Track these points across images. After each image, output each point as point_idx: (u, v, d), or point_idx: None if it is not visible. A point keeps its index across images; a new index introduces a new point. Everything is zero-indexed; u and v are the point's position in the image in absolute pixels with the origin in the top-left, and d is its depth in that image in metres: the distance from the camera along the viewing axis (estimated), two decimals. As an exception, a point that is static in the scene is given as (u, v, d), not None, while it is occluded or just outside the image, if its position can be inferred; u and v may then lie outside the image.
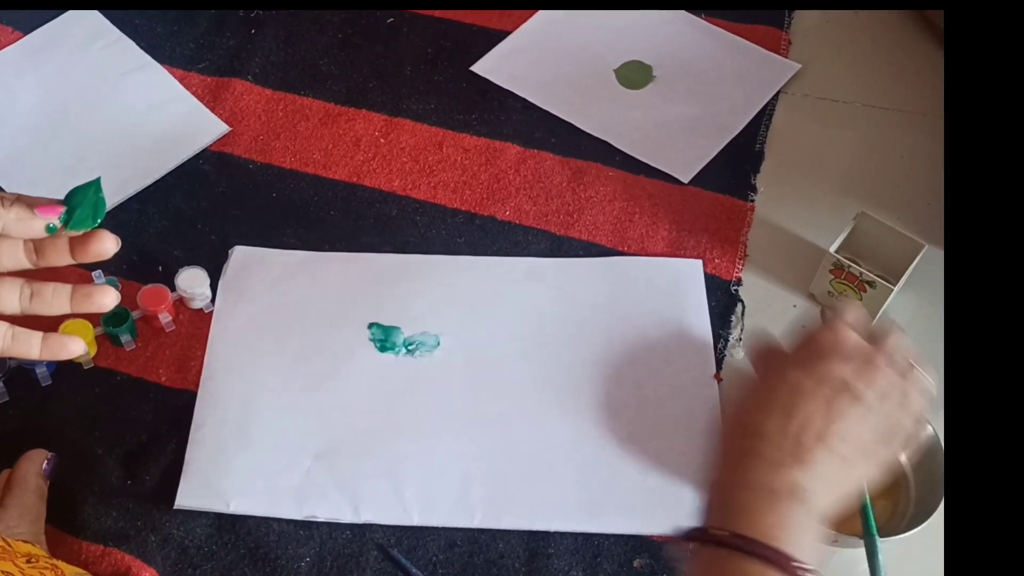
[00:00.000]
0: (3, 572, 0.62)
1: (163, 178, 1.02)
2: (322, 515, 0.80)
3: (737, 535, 0.54)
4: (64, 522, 0.79)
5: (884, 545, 0.75)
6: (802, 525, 0.55)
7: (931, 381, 0.63)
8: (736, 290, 0.95)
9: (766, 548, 0.53)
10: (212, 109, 1.07)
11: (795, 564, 0.52)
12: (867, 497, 0.77)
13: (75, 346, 0.61)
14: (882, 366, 0.61)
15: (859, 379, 0.59)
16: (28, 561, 0.64)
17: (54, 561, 0.67)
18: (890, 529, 0.78)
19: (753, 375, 0.64)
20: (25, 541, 0.70)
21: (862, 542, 0.75)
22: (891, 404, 0.60)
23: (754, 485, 0.56)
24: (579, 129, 1.07)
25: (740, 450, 0.58)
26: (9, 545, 0.66)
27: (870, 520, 0.75)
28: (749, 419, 0.59)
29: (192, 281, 0.92)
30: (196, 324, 0.91)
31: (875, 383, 0.60)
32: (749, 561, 0.53)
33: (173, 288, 0.91)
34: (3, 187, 1.00)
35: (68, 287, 0.58)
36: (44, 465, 0.79)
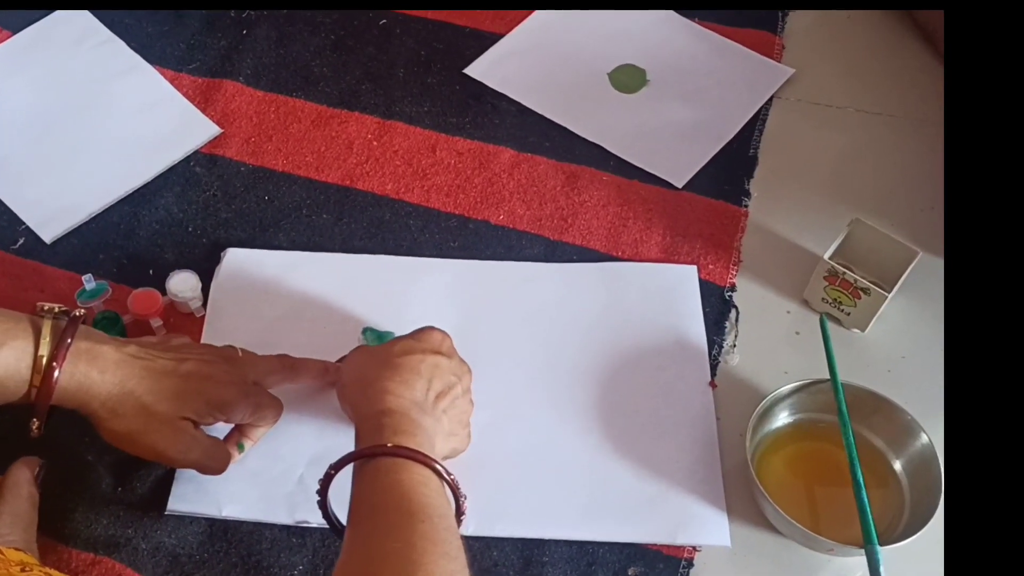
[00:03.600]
0: None
1: (153, 180, 1.01)
2: (315, 521, 0.80)
3: (398, 446, 0.69)
4: (54, 530, 0.78)
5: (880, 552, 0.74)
6: (433, 449, 0.72)
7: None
8: (730, 296, 0.95)
9: (421, 454, 0.69)
10: (203, 110, 1.06)
11: (436, 463, 0.70)
12: (867, 504, 0.77)
13: None
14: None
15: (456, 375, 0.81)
16: (23, 569, 0.64)
17: (47, 570, 0.67)
18: (885, 537, 0.78)
19: None
20: (18, 549, 0.69)
21: (856, 550, 0.75)
22: (466, 403, 0.83)
23: (400, 419, 0.73)
24: (573, 133, 1.07)
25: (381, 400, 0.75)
26: (2, 553, 0.66)
27: (871, 528, 0.75)
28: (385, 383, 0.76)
29: (183, 285, 0.91)
30: (187, 328, 0.90)
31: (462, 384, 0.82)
32: (407, 463, 0.69)
33: (164, 292, 0.91)
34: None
35: None
36: (36, 472, 0.78)
